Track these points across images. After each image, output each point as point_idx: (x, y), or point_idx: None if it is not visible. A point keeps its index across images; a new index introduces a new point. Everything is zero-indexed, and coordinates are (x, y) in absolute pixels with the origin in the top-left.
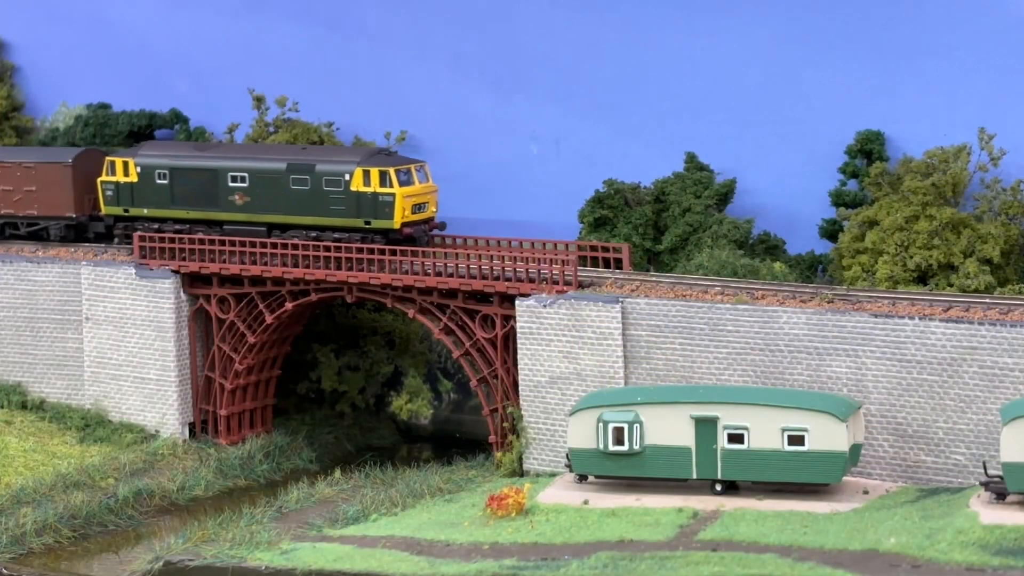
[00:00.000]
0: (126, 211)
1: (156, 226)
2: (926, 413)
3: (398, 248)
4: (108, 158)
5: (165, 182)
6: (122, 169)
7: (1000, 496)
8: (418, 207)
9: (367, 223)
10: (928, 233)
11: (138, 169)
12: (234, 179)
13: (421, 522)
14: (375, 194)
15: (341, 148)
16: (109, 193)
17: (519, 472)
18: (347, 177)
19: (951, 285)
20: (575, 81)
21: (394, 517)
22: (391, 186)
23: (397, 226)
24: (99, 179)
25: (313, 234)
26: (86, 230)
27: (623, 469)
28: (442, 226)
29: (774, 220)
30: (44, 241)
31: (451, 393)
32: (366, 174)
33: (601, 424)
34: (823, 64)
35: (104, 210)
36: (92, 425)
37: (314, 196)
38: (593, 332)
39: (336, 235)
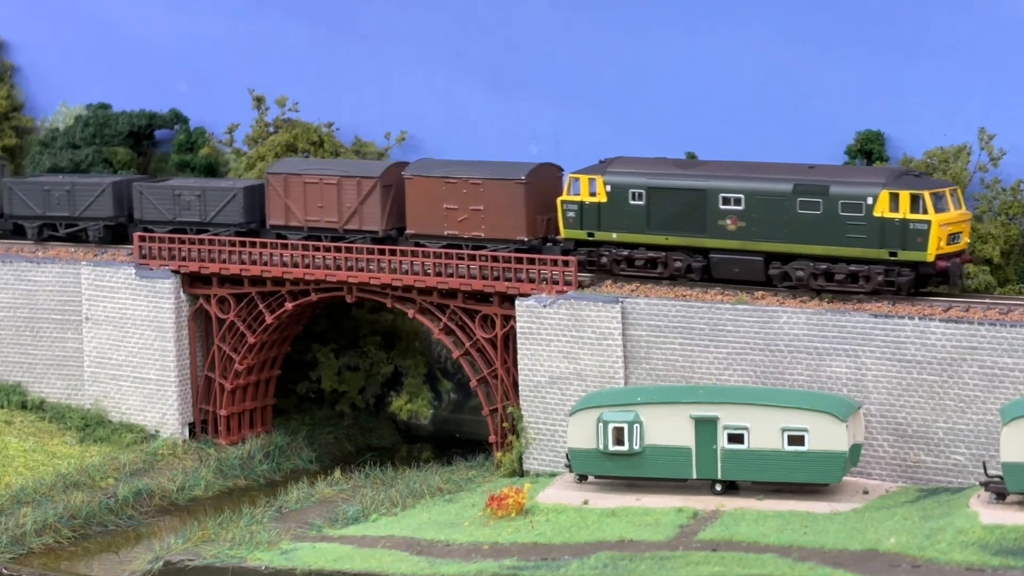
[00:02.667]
0: (591, 235)
1: (626, 253)
2: (926, 413)
3: (398, 248)
4: (571, 175)
5: (640, 203)
6: (587, 188)
7: (1000, 496)
8: (953, 237)
9: (892, 254)
10: None
11: (608, 188)
12: (726, 201)
13: (421, 522)
14: (904, 221)
15: (859, 168)
16: (571, 215)
17: (519, 472)
18: (869, 201)
19: None
20: (575, 81)
21: (394, 517)
22: (925, 212)
23: (931, 259)
24: (559, 199)
25: (823, 266)
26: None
27: (623, 469)
28: (973, 259)
29: None
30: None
31: (451, 393)
32: (894, 198)
33: (601, 424)
34: (823, 64)
35: (564, 234)
36: (92, 425)
37: (827, 222)
38: (593, 332)
39: (852, 267)
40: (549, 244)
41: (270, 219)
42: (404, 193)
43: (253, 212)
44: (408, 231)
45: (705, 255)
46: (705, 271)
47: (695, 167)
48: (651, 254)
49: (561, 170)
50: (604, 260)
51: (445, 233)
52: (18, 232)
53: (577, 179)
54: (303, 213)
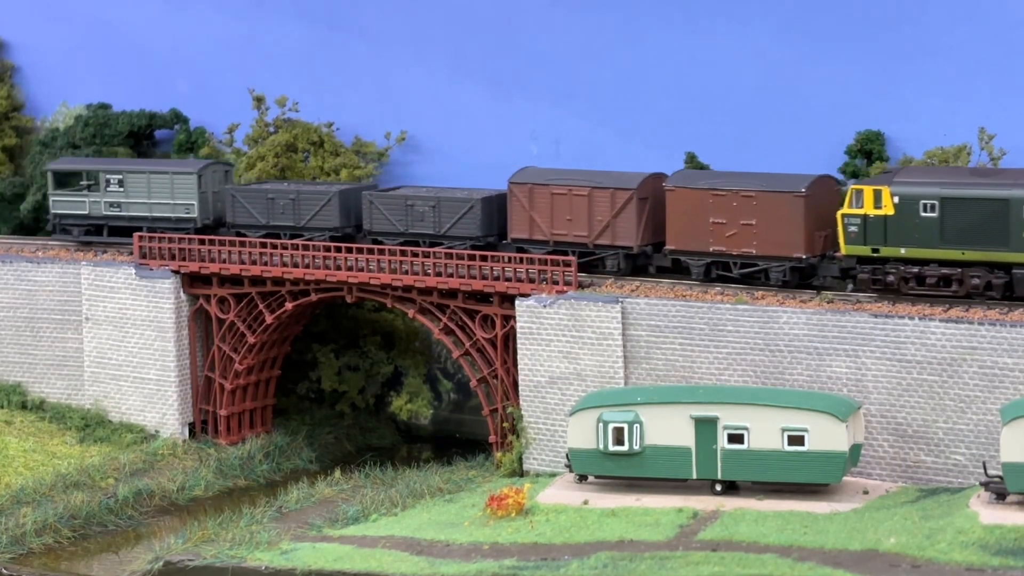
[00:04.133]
0: (875, 251)
1: (916, 270)
2: (926, 413)
3: (398, 248)
4: (853, 187)
5: (933, 215)
6: (871, 199)
7: (1000, 496)
8: None
9: None
10: None
11: (895, 199)
12: None
13: (421, 522)
14: None
15: None
16: (853, 229)
17: (519, 472)
18: None
19: None
20: (575, 81)
21: (394, 517)
22: None
23: None
24: (839, 212)
25: None
26: (814, 273)
27: (623, 469)
28: None
29: None
30: (758, 286)
31: (451, 393)
32: None
33: (601, 424)
34: (823, 64)
35: (844, 250)
36: (92, 425)
37: None
38: (593, 332)
39: None
40: (827, 263)
41: (512, 232)
42: (663, 206)
43: (491, 224)
44: (668, 247)
45: (1007, 271)
46: (1007, 288)
47: (995, 175)
48: (945, 271)
49: (838, 182)
50: (891, 278)
51: (711, 249)
52: None
53: (860, 190)
54: (549, 226)
